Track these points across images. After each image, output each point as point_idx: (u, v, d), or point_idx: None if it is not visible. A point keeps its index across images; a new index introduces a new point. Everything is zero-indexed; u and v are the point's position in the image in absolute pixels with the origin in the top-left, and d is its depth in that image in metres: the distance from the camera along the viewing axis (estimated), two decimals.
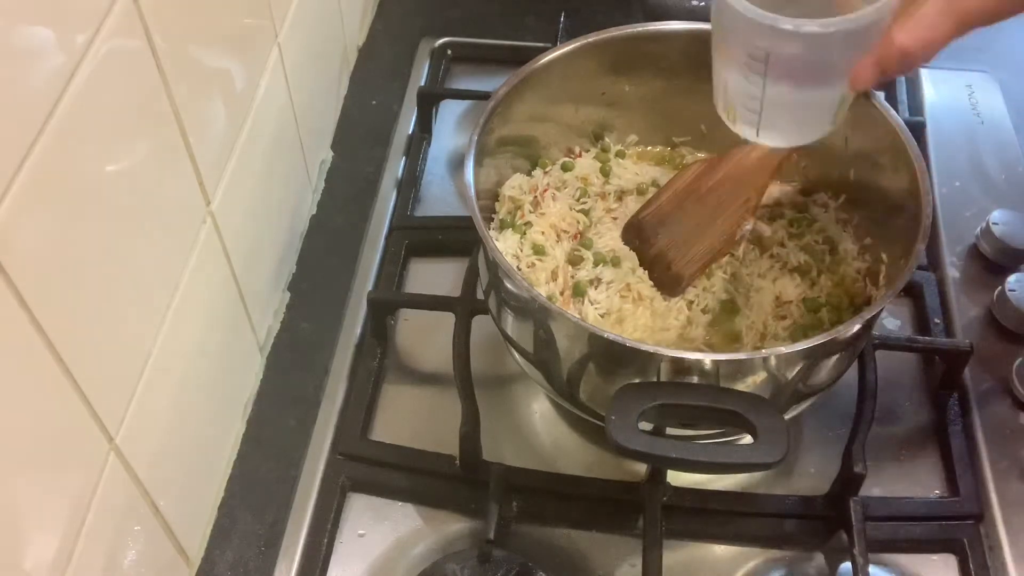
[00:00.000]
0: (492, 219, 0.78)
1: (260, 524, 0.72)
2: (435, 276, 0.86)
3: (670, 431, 0.62)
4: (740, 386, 0.62)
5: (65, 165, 0.47)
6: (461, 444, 0.71)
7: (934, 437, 0.77)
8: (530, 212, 0.78)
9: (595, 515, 0.72)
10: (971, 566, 0.70)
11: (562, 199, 0.79)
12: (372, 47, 1.09)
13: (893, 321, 0.84)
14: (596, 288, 0.73)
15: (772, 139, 0.63)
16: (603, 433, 0.57)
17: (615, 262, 0.75)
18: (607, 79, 0.80)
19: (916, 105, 1.01)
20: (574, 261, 0.76)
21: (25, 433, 0.47)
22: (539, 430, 0.77)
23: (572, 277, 0.75)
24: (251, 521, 0.72)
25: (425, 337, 0.83)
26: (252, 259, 0.76)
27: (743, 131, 0.63)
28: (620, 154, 0.85)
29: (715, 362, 0.59)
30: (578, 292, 0.73)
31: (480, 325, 0.76)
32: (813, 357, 0.63)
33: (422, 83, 1.02)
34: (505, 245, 0.75)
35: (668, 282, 0.74)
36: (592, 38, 0.77)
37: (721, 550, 0.71)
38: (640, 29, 0.78)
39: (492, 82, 0.77)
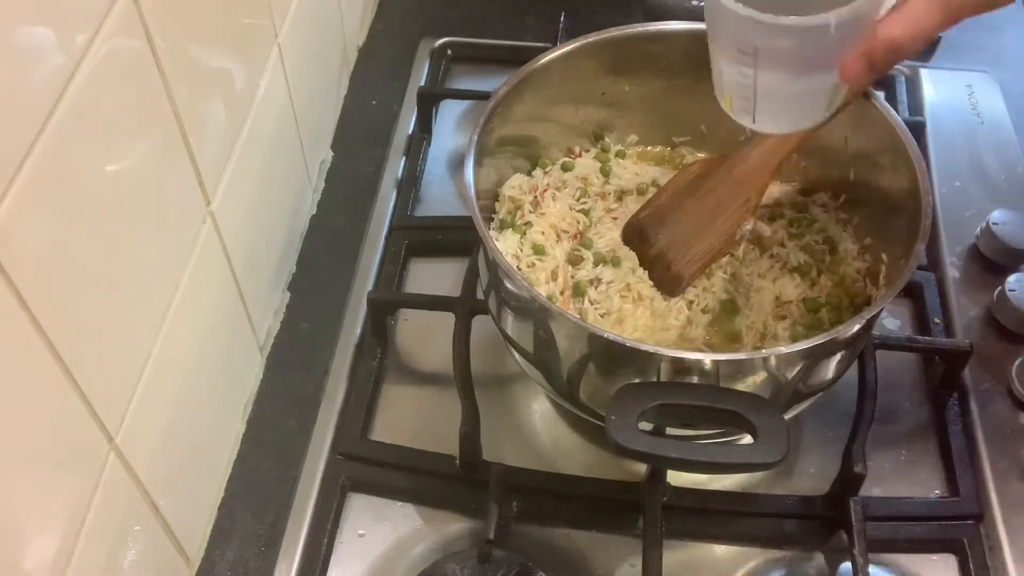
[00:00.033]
0: (492, 219, 0.78)
1: (260, 524, 0.72)
2: (435, 276, 0.86)
3: (670, 431, 0.62)
4: (740, 386, 0.62)
5: (65, 165, 0.47)
6: (461, 444, 0.71)
7: (934, 437, 0.77)
8: (530, 212, 0.78)
9: (595, 515, 0.72)
10: (971, 566, 0.70)
11: (562, 199, 0.79)
12: (372, 47, 1.09)
13: (893, 321, 0.84)
14: (596, 288, 0.73)
15: (768, 126, 0.64)
16: (603, 433, 0.57)
17: (615, 262, 0.75)
18: (607, 79, 0.80)
19: (916, 105, 1.01)
20: (574, 261, 0.76)
21: (25, 433, 0.47)
22: (539, 430, 0.77)
23: (572, 277, 0.75)
24: (251, 521, 0.72)
25: (425, 337, 0.83)
26: (252, 259, 0.76)
27: (740, 119, 0.64)
28: (620, 154, 0.85)
29: (715, 362, 0.59)
30: (578, 292, 0.73)
31: (480, 325, 0.76)
32: (813, 357, 0.63)
33: (422, 83, 1.02)
34: (505, 245, 0.75)
35: (668, 282, 0.74)
36: (592, 38, 0.77)
37: (721, 550, 0.71)
38: (640, 29, 0.78)
39: (492, 82, 0.77)
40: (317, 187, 0.94)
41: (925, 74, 1.04)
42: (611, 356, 0.63)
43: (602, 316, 0.72)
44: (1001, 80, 1.05)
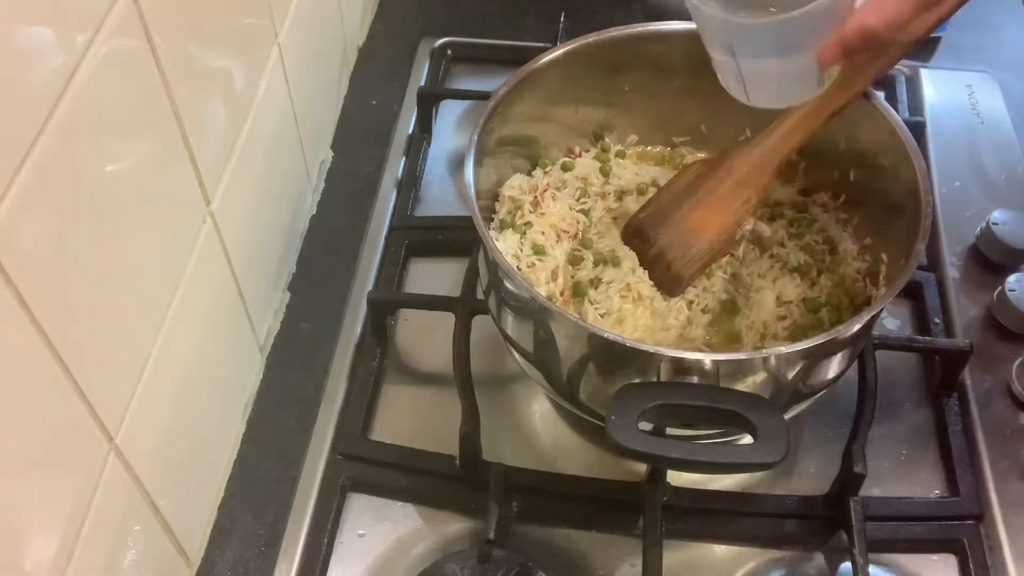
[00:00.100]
0: (492, 219, 0.78)
1: (260, 524, 0.72)
2: (435, 276, 0.86)
3: (670, 431, 0.62)
4: (740, 386, 0.62)
5: (65, 165, 0.47)
6: (461, 444, 0.71)
7: (934, 437, 0.77)
8: (530, 212, 0.78)
9: (595, 515, 0.72)
10: (971, 566, 0.70)
11: (562, 199, 0.79)
12: (372, 47, 1.09)
13: (893, 321, 0.84)
14: (596, 288, 0.73)
15: (762, 103, 0.67)
16: (603, 433, 0.57)
17: (615, 262, 0.75)
18: (607, 79, 0.80)
19: (916, 105, 1.01)
20: (574, 261, 0.76)
21: (25, 433, 0.47)
22: (539, 430, 0.77)
23: (572, 277, 0.75)
24: (251, 521, 0.72)
25: (425, 337, 0.83)
26: (252, 259, 0.76)
27: (739, 97, 0.67)
28: (620, 154, 0.85)
29: (715, 362, 0.59)
30: (578, 292, 0.73)
31: (480, 325, 0.76)
32: (813, 357, 0.63)
33: (422, 83, 1.02)
34: (505, 245, 0.75)
35: (668, 282, 0.74)
36: (592, 38, 0.77)
37: (721, 550, 0.71)
38: (640, 29, 0.78)
39: (492, 82, 0.77)
40: (317, 187, 0.94)
41: (925, 74, 1.04)
42: (611, 356, 0.63)
43: (602, 316, 0.72)
44: (1001, 80, 1.05)
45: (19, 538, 0.48)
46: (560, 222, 0.78)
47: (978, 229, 0.88)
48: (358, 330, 0.82)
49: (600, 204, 0.81)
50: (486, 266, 0.70)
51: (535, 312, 0.65)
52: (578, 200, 0.80)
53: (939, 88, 1.03)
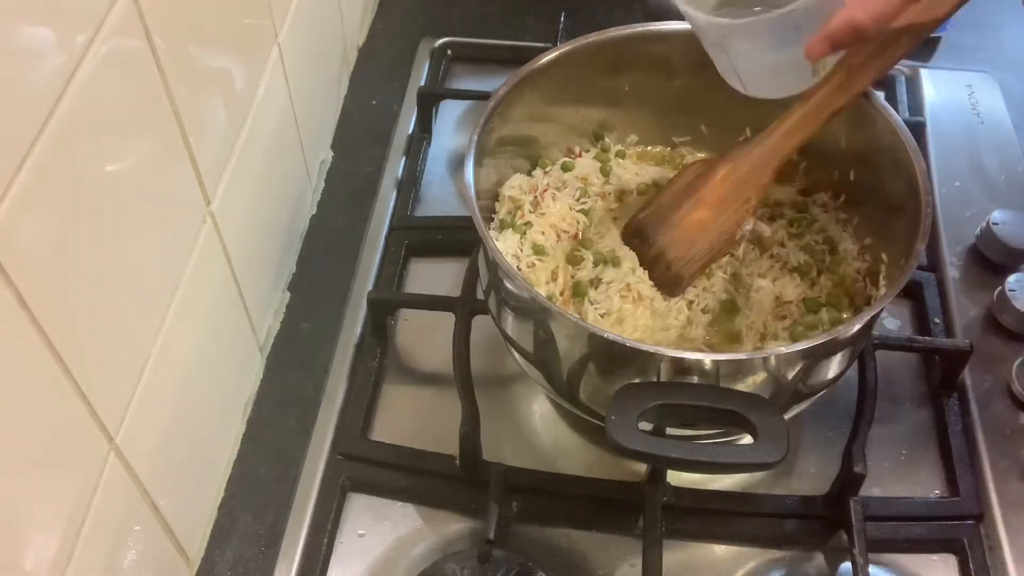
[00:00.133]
0: (492, 219, 0.78)
1: (260, 524, 0.72)
2: (435, 276, 0.86)
3: (670, 431, 0.62)
4: (740, 386, 0.62)
5: (65, 165, 0.47)
6: (461, 444, 0.71)
7: (934, 437, 0.77)
8: (530, 212, 0.78)
9: (595, 515, 0.72)
10: (971, 566, 0.70)
11: (562, 199, 0.79)
12: (372, 47, 1.09)
13: (893, 321, 0.84)
14: (596, 288, 0.73)
15: (760, 93, 0.69)
16: (603, 433, 0.57)
17: (615, 262, 0.75)
18: (607, 79, 0.80)
19: (916, 105, 1.01)
20: (574, 261, 0.76)
21: (25, 433, 0.47)
22: (539, 430, 0.77)
23: (572, 277, 0.75)
24: (251, 521, 0.72)
25: (425, 337, 0.83)
26: (252, 259, 0.76)
27: (737, 87, 0.70)
28: (620, 154, 0.85)
29: (715, 362, 0.59)
30: (578, 292, 0.73)
31: (480, 325, 0.76)
32: (813, 357, 0.63)
33: (422, 83, 1.02)
34: (505, 245, 0.75)
35: (668, 282, 0.74)
36: (592, 38, 0.77)
37: (721, 550, 0.71)
38: (640, 29, 0.78)
39: (492, 82, 0.77)
40: (317, 187, 0.94)
41: (925, 74, 1.04)
42: (611, 356, 0.63)
43: (602, 316, 0.72)
44: (1001, 80, 1.05)
45: (19, 538, 0.48)
46: (560, 222, 0.78)
47: (978, 229, 0.88)
48: (358, 330, 0.82)
49: (600, 204, 0.81)
50: (486, 266, 0.70)
51: (535, 312, 0.65)
52: (578, 200, 0.80)
53: (939, 88, 1.03)
